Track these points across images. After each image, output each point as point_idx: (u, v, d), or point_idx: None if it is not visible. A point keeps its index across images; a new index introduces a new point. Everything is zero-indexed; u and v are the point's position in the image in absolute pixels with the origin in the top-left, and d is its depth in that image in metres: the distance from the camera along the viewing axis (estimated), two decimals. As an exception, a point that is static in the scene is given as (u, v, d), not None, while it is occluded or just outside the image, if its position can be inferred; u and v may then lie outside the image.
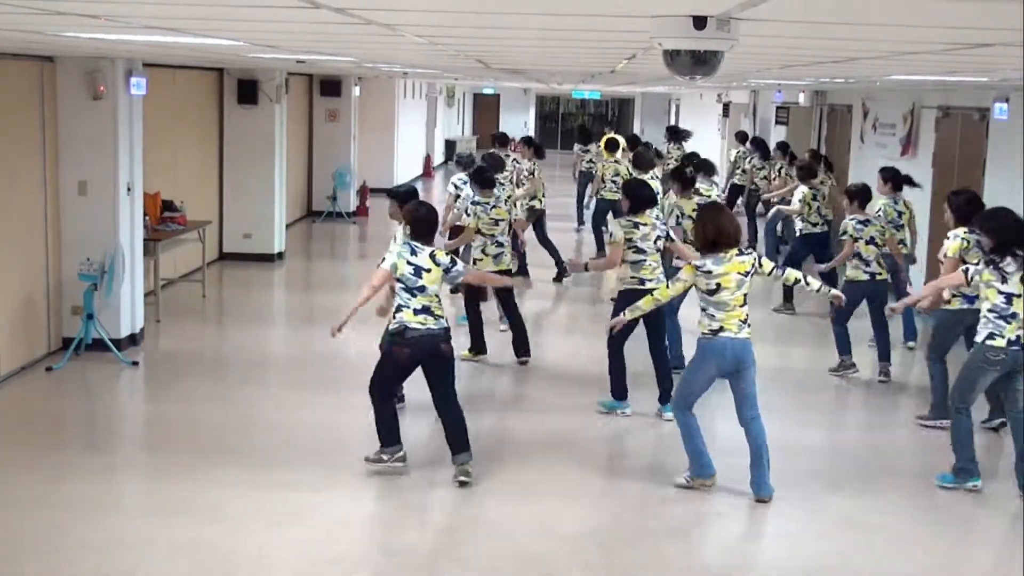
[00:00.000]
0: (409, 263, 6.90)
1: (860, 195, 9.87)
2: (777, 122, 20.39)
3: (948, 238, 8.16)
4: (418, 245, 6.99)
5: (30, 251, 9.54)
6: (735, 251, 6.85)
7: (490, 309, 10.72)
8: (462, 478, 7.01)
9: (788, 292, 12.57)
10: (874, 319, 9.89)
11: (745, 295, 6.88)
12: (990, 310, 6.98)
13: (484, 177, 10.08)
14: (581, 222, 19.08)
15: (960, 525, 6.92)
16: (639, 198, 8.46)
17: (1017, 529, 6.72)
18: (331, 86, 18.74)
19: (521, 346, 10.00)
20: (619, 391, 8.60)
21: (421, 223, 7.06)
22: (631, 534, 6.52)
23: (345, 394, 8.68)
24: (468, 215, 9.91)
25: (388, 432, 7.14)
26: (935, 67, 7.11)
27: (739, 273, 6.83)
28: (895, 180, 10.67)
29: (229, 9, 4.52)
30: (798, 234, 12.73)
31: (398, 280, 6.91)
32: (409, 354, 6.96)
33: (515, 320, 10.02)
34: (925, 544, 6.58)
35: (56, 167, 9.78)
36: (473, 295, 10.01)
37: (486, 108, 43.14)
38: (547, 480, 7.22)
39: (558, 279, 13.97)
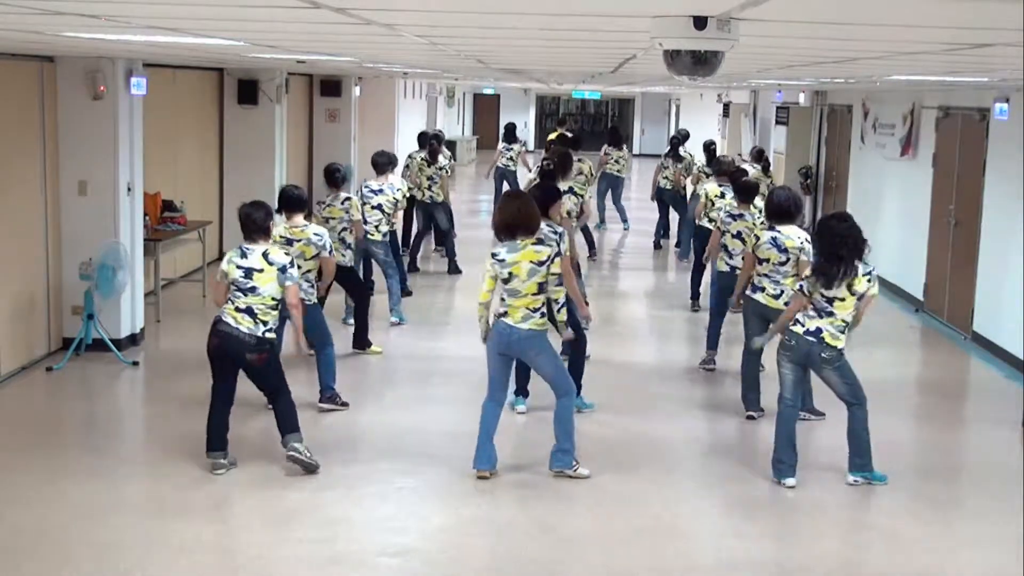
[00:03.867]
0: (239, 267, 6.90)
1: (742, 191, 9.83)
2: (777, 122, 20.34)
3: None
4: (248, 247, 6.96)
5: (30, 251, 9.54)
6: (531, 240, 6.98)
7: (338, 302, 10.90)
8: (291, 453, 7.03)
9: (696, 291, 12.55)
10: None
11: (540, 284, 6.95)
12: (812, 305, 7.04)
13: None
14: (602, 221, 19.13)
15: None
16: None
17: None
18: (331, 86, 18.71)
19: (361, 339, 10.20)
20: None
21: (248, 223, 6.99)
22: (631, 534, 6.52)
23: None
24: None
25: (210, 436, 7.09)
26: (935, 67, 7.11)
27: (531, 262, 6.91)
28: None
29: (229, 9, 4.52)
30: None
31: (232, 284, 6.90)
32: (216, 344, 6.94)
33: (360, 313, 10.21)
34: (928, 543, 6.59)
35: (56, 167, 9.78)
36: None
37: (486, 108, 43.12)
38: (547, 480, 7.22)
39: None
